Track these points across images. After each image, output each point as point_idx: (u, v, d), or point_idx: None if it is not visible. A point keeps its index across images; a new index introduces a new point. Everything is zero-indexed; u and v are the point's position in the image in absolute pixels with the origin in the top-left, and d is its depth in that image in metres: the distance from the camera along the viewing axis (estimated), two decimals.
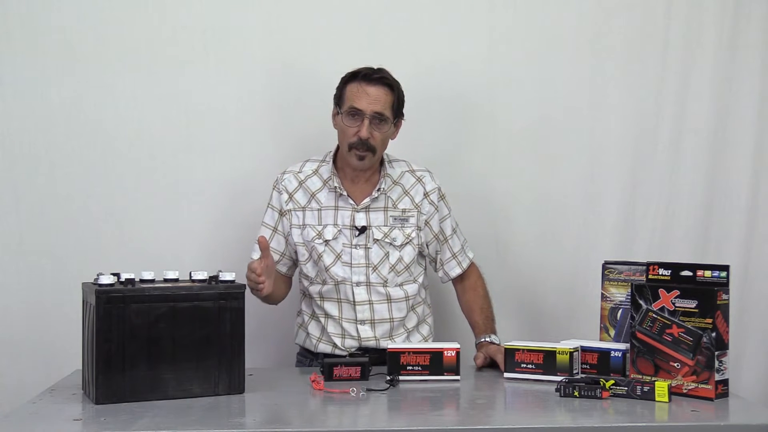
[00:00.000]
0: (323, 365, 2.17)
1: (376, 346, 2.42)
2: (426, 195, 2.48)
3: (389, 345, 2.24)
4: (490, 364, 2.33)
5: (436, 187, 2.50)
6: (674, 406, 1.92)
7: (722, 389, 1.97)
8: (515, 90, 2.85)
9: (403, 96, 2.45)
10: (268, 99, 2.78)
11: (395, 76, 2.42)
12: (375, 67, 2.40)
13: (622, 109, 2.87)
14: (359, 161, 2.39)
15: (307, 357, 2.52)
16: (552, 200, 2.88)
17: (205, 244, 2.74)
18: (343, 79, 2.42)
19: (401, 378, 2.15)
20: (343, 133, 2.41)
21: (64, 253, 2.68)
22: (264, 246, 2.26)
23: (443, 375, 2.17)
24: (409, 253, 2.45)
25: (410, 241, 2.44)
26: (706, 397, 1.96)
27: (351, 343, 2.43)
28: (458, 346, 2.20)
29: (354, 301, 2.42)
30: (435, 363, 2.17)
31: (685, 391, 1.98)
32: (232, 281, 2.02)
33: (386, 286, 2.43)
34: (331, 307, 2.44)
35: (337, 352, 2.43)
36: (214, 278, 2.03)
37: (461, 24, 2.82)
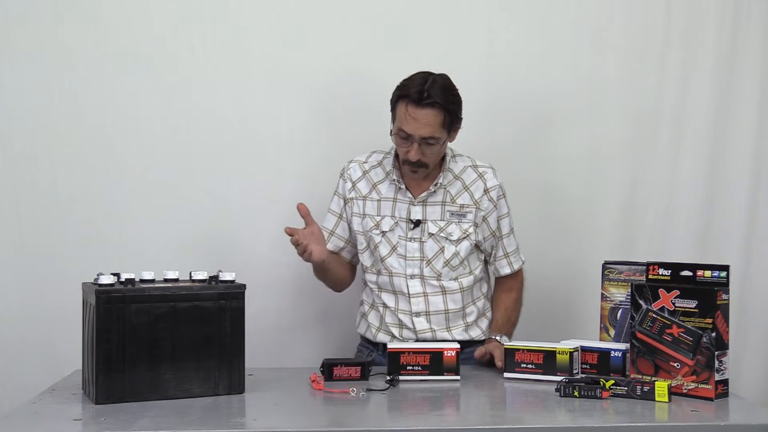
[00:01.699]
0: (323, 365, 2.17)
1: (433, 337, 2.42)
2: (486, 191, 2.46)
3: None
4: (489, 363, 2.33)
5: (498, 185, 2.47)
6: (674, 406, 1.92)
7: (722, 389, 1.97)
8: (515, 90, 2.85)
9: (458, 103, 2.35)
10: (267, 101, 2.77)
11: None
12: (426, 77, 2.31)
13: (622, 109, 2.87)
14: (413, 173, 2.40)
15: (368, 348, 2.52)
16: (552, 200, 2.88)
17: (205, 244, 2.73)
18: (395, 92, 2.35)
19: (401, 378, 2.15)
20: (397, 146, 2.40)
21: (64, 254, 2.68)
22: (304, 212, 2.32)
23: (443, 375, 2.17)
24: (465, 248, 2.43)
25: (467, 236, 2.43)
26: (706, 397, 1.96)
27: (408, 334, 2.43)
28: (458, 346, 2.20)
29: (409, 294, 2.42)
30: (435, 363, 2.18)
31: (685, 391, 1.98)
32: (232, 281, 2.02)
33: (440, 279, 2.43)
34: (387, 298, 2.45)
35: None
36: (214, 278, 2.03)
37: (460, 25, 2.82)
